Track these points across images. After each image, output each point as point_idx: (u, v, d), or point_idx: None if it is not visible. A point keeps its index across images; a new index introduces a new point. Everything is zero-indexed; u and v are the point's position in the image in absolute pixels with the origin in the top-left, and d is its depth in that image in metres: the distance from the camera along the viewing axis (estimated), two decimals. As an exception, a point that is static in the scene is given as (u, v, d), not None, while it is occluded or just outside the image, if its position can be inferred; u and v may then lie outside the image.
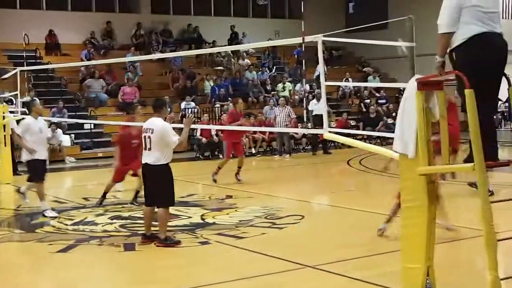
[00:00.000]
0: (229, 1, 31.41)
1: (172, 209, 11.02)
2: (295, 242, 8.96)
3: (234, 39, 29.12)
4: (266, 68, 28.13)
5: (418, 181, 5.83)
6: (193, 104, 23.64)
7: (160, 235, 8.66)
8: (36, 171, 11.23)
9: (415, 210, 5.89)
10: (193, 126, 20.41)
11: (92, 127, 22.01)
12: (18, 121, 13.89)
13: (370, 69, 29.03)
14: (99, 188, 13.58)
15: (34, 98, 14.17)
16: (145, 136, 8.68)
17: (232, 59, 27.72)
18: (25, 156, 11.23)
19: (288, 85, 26.05)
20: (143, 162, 8.78)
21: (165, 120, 8.98)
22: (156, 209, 8.79)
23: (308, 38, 9.65)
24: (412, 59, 8.83)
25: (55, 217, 10.82)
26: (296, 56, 29.05)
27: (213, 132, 20.62)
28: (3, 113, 15.80)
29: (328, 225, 10.25)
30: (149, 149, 8.63)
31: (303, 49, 27.68)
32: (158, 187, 8.67)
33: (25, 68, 20.15)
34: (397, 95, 26.28)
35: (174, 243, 8.67)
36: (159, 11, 29.70)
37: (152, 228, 8.89)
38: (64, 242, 9.11)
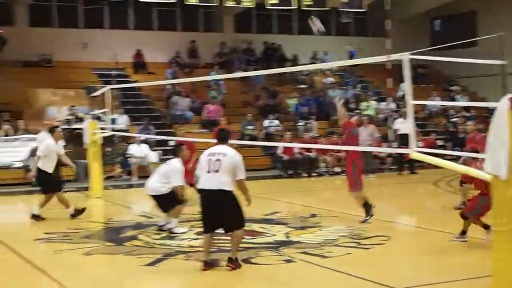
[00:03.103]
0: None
1: (256, 227, 11.15)
2: (382, 263, 8.85)
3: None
4: (350, 87, 27.98)
5: (511, 204, 5.68)
6: (276, 122, 23.76)
7: (233, 255, 8.47)
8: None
9: (507, 234, 5.74)
10: (275, 144, 20.67)
11: (178, 144, 22.35)
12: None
13: (457, 88, 28.47)
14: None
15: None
16: (210, 159, 8.30)
17: (315, 77, 27.73)
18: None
19: (373, 103, 25.84)
20: (205, 187, 8.32)
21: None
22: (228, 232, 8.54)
23: (394, 56, 9.54)
24: (503, 77, 8.63)
25: None
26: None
27: (296, 150, 20.66)
28: (94, 129, 16.27)
29: (415, 247, 10.06)
30: (217, 171, 8.21)
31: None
32: (231, 212, 8.31)
33: (114, 86, 20.65)
34: (486, 114, 25.68)
35: (240, 265, 8.47)
36: (242, 30, 30.09)
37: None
38: (151, 256, 9.27)
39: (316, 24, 12.82)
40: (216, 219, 8.32)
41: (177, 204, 10.90)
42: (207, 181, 8.28)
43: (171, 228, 10.87)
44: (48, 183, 12.77)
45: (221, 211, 8.27)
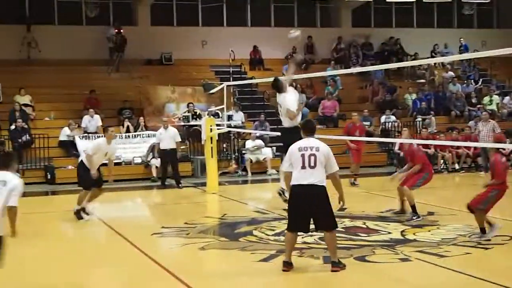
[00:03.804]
0: (432, 11, 30.68)
1: (371, 224, 10.98)
2: (503, 264, 8.47)
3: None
4: (472, 81, 27.03)
5: None
6: (393, 117, 23.29)
7: (334, 258, 8.18)
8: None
9: None
10: (392, 140, 20.25)
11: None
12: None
13: None
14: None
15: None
16: (304, 154, 8.01)
17: (435, 71, 26.98)
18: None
19: (496, 98, 24.82)
20: (302, 183, 7.99)
21: None
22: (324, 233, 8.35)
23: (518, 48, 9.07)
24: None
25: None
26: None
27: (414, 146, 20.09)
28: (211, 126, 16.52)
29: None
30: (313, 167, 7.95)
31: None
32: (325, 208, 8.06)
33: (231, 83, 20.88)
34: None
35: (344, 266, 8.22)
36: (360, 24, 29.68)
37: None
38: (266, 251, 9.29)
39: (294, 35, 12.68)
40: (308, 216, 8.06)
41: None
42: (303, 176, 7.99)
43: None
44: (81, 178, 12.66)
45: (316, 207, 8.01)
